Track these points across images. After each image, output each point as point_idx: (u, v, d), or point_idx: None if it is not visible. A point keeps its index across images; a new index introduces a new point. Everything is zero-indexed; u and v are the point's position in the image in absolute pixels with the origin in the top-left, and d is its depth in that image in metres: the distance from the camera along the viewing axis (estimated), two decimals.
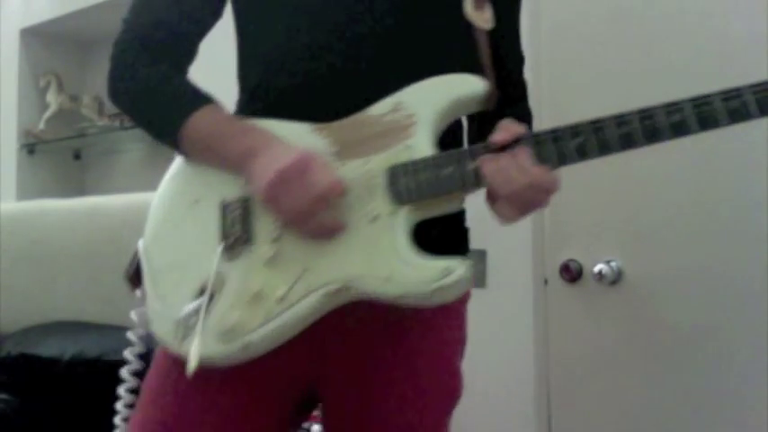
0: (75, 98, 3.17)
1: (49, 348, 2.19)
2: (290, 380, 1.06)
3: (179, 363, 0.99)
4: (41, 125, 3.18)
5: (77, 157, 3.33)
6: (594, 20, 1.85)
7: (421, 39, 1.06)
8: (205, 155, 1.05)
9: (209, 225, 1.04)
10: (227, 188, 1.04)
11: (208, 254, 1.02)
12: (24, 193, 3.16)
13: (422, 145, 0.98)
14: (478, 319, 1.98)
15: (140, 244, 1.08)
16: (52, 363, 2.14)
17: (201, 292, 1.00)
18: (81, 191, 3.27)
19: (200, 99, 1.06)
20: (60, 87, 3.16)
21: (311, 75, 1.04)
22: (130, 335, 1.14)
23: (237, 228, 1.01)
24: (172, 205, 1.09)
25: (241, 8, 1.11)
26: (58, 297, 2.53)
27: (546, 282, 1.90)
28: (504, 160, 0.95)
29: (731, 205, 1.65)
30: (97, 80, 3.12)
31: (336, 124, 1.02)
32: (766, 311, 1.59)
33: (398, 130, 0.99)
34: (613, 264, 1.79)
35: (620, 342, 1.79)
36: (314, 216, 0.96)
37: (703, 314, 1.67)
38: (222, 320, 0.98)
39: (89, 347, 2.13)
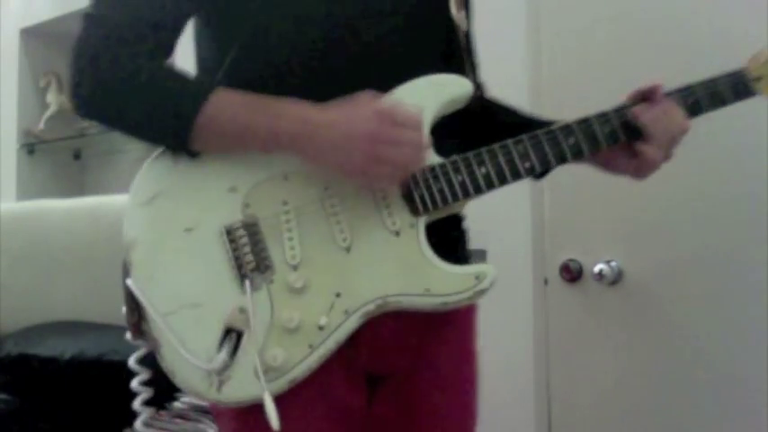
0: None
1: (48, 348, 2.19)
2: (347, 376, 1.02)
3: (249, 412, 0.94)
4: (41, 125, 3.18)
5: (77, 157, 3.33)
6: (594, 21, 1.85)
7: (417, 38, 1.05)
8: (234, 138, 0.96)
9: (212, 255, 0.95)
10: (221, 213, 0.96)
11: (221, 288, 0.94)
12: (24, 193, 3.15)
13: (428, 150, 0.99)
14: (478, 319, 1.99)
15: (132, 285, 0.96)
16: (52, 363, 2.14)
17: (227, 332, 0.93)
18: (81, 191, 3.27)
19: (209, 84, 0.97)
20: (60, 87, 3.16)
21: (317, 70, 1.00)
22: (135, 385, 1.03)
23: (250, 256, 0.95)
24: (160, 238, 0.97)
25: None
26: (58, 297, 2.53)
27: (546, 282, 1.90)
28: (657, 111, 1.03)
29: (731, 205, 1.65)
30: None
31: None
32: (766, 311, 1.59)
33: None
34: (613, 264, 1.79)
35: (621, 342, 1.79)
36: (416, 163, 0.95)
37: (703, 314, 1.67)
38: (264, 359, 0.92)
39: (89, 347, 2.13)
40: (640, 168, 1.07)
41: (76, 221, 2.58)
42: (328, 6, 1.00)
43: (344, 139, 0.92)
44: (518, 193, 1.89)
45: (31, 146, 3.21)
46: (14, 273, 2.57)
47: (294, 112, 0.95)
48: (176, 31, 1.03)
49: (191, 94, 0.96)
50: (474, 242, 1.99)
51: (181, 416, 2.04)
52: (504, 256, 1.95)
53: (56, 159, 3.29)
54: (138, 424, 1.04)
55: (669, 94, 1.05)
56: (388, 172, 0.93)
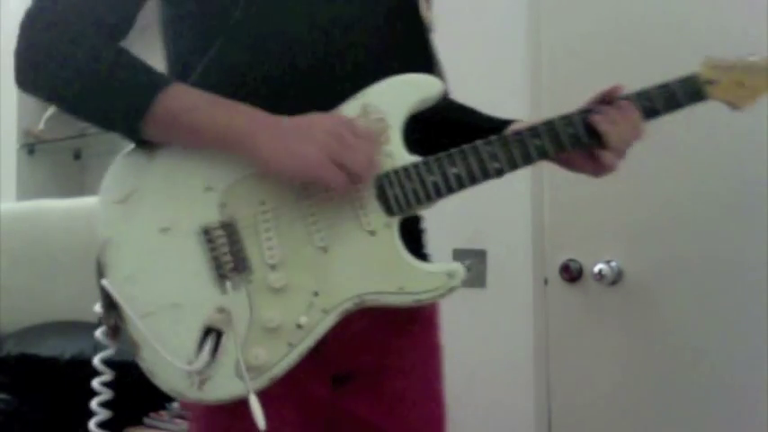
0: None
1: (48, 348, 2.19)
2: (315, 375, 1.04)
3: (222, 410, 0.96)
4: (41, 125, 3.18)
5: (77, 157, 3.33)
6: (595, 22, 1.85)
7: (391, 37, 1.07)
8: (189, 130, 0.95)
9: (190, 256, 0.95)
10: (198, 212, 0.96)
11: (199, 288, 0.95)
12: (24, 193, 3.15)
13: (399, 150, 1.01)
14: (478, 319, 1.99)
15: (109, 286, 0.95)
16: (52, 363, 2.14)
17: (207, 332, 0.94)
18: (81, 191, 3.27)
19: (166, 76, 0.97)
20: None
21: (301, 64, 1.01)
22: (96, 385, 1.03)
23: (228, 257, 0.95)
24: (136, 237, 0.97)
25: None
26: (58, 297, 2.53)
27: (546, 282, 1.90)
28: (615, 115, 1.05)
29: (731, 205, 1.65)
30: None
31: None
32: (766, 311, 1.59)
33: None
34: (613, 264, 1.79)
35: (620, 342, 1.79)
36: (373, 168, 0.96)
37: (703, 314, 1.67)
38: (246, 358, 0.93)
39: (89, 347, 2.13)
40: (597, 170, 1.10)
41: (76, 221, 2.58)
42: (312, 5, 1.02)
43: (301, 139, 0.93)
44: (518, 193, 1.89)
45: (31, 146, 3.21)
46: (14, 273, 2.57)
47: (252, 110, 0.96)
48: (135, 13, 1.02)
49: (149, 81, 0.95)
50: (474, 242, 2.00)
51: (181, 416, 2.04)
52: (504, 256, 1.95)
53: (56, 159, 3.29)
54: (91, 424, 1.03)
55: (627, 98, 1.08)
56: (340, 177, 0.94)
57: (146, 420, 2.13)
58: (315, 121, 0.95)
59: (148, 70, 0.97)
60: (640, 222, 1.77)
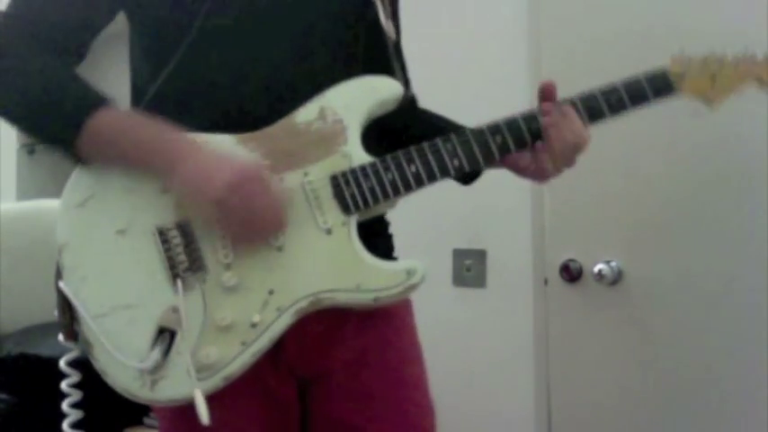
0: None
1: (49, 348, 2.18)
2: (280, 376, 1.04)
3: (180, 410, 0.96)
4: None
5: None
6: (595, 22, 1.85)
7: (347, 43, 1.08)
8: (115, 153, 0.98)
9: (145, 256, 0.96)
10: (155, 214, 0.97)
11: (154, 289, 0.95)
12: (24, 193, 3.15)
13: (357, 151, 1.01)
14: (478, 319, 1.99)
15: (64, 288, 0.97)
16: (52, 363, 2.14)
17: (160, 331, 0.94)
18: None
19: (107, 97, 0.99)
20: None
21: (246, 87, 1.02)
22: (64, 387, 1.05)
23: (182, 257, 0.96)
24: (92, 240, 0.98)
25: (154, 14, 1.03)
26: None
27: (546, 282, 1.90)
28: (558, 118, 1.03)
29: (731, 205, 1.65)
30: (97, 80, 3.10)
31: (263, 134, 1.00)
32: (766, 311, 1.59)
33: (330, 137, 1.00)
34: (613, 264, 1.79)
35: (620, 342, 1.79)
36: (268, 227, 0.96)
37: (703, 314, 1.67)
38: (198, 358, 0.93)
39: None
40: (536, 174, 1.09)
41: None
42: (258, 24, 1.02)
43: (214, 163, 0.94)
44: (518, 193, 1.89)
45: (31, 146, 3.21)
46: (14, 273, 2.57)
47: (171, 139, 0.97)
48: (89, 40, 1.05)
49: (83, 101, 0.97)
50: (474, 242, 2.00)
51: None
52: (504, 256, 1.95)
53: (56, 159, 3.26)
54: (65, 425, 1.05)
55: (592, 93, 1.06)
56: (242, 235, 0.95)
57: (146, 420, 2.12)
58: (231, 157, 0.95)
59: (87, 90, 0.98)
60: (640, 222, 1.77)
